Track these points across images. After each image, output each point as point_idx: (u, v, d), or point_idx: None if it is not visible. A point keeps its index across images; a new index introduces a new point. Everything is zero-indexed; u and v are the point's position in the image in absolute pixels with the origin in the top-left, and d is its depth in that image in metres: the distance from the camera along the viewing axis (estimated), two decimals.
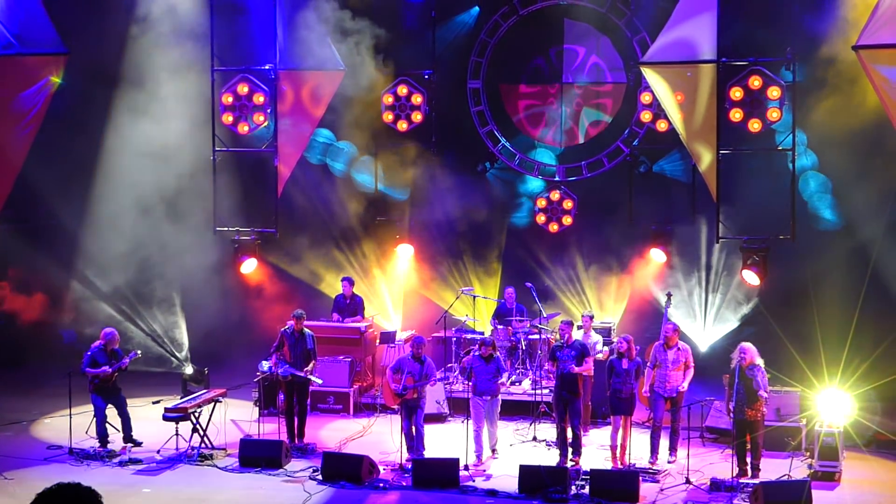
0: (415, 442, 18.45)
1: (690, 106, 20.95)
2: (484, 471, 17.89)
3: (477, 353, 18.49)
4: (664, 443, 18.33)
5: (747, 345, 17.68)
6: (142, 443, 19.04)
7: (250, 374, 21.08)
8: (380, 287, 25.12)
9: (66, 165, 24.42)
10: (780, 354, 20.26)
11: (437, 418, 20.52)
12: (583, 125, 24.83)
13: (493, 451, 18.41)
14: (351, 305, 22.90)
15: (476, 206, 24.90)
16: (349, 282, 23.11)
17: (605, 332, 21.47)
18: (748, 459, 17.48)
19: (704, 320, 23.37)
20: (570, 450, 18.02)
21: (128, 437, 19.07)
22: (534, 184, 24.99)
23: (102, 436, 18.95)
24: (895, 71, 19.00)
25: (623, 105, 24.37)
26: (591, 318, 20.90)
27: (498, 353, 18.58)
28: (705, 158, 20.89)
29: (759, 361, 17.40)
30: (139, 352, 19.87)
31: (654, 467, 17.72)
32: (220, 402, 19.26)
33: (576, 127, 24.90)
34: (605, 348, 20.11)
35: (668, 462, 18.00)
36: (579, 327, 20.32)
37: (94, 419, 18.98)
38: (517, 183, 25.24)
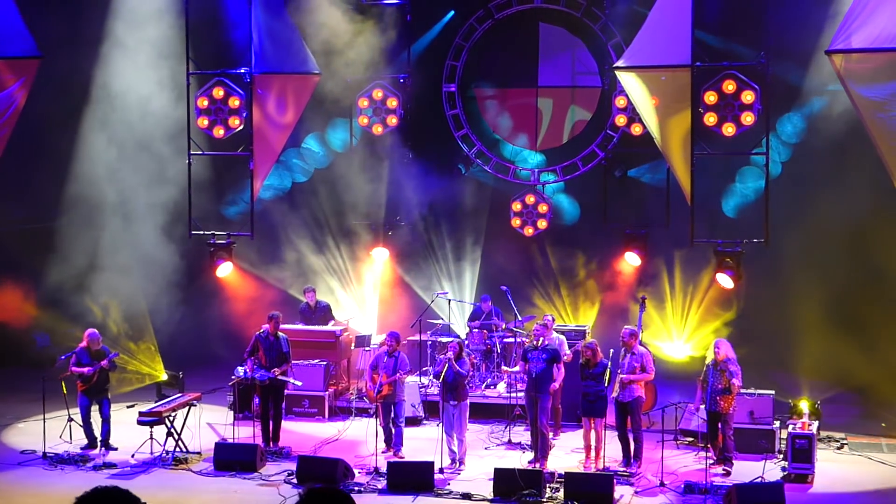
0: (394, 439, 18.80)
1: (665, 110, 20.98)
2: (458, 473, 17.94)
3: (444, 357, 18.55)
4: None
5: (721, 340, 18.36)
6: (117, 448, 19.04)
7: (226, 378, 21.03)
8: (355, 290, 25.12)
9: (37, 169, 24.35)
10: (754, 357, 20.37)
11: (413, 421, 20.53)
12: (568, 125, 24.91)
13: (461, 461, 18.30)
14: (317, 313, 22.92)
15: (451, 210, 24.96)
16: (312, 291, 23.16)
17: (581, 336, 21.49)
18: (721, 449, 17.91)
19: (680, 324, 23.43)
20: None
21: (104, 442, 19.10)
22: (509, 187, 24.97)
23: (89, 437, 19.06)
24: (868, 74, 19.06)
25: (598, 109, 24.43)
26: (553, 319, 20.92)
27: (462, 356, 18.49)
28: (679, 162, 20.93)
29: (733, 356, 17.81)
30: (119, 353, 19.92)
31: (629, 470, 17.79)
32: (195, 405, 19.25)
33: (552, 129, 24.95)
34: (569, 351, 20.04)
35: (627, 471, 17.92)
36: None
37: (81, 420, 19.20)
38: (492, 187, 25.23)
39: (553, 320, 20.87)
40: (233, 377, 20.25)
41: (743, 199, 23.08)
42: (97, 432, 19.21)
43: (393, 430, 18.90)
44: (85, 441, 19.20)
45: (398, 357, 18.81)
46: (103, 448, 18.96)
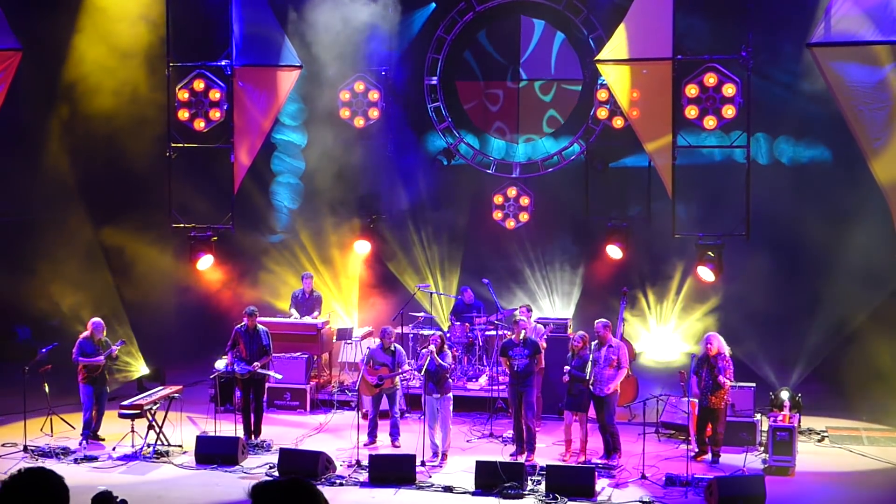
0: (391, 430, 19.03)
1: (646, 103, 21.04)
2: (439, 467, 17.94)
3: (426, 350, 18.56)
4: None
5: (714, 334, 18.39)
6: (105, 439, 19.01)
7: (207, 371, 21.01)
8: (336, 283, 25.09)
9: (14, 162, 24.25)
10: (736, 350, 20.44)
11: None
12: (543, 119, 24.90)
13: (444, 454, 18.29)
14: (309, 301, 22.92)
15: (432, 203, 24.94)
16: (310, 278, 23.15)
17: (562, 329, 21.51)
18: (707, 447, 18.05)
19: (660, 317, 23.47)
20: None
21: (94, 433, 19.06)
22: (490, 180, 24.95)
23: (88, 424, 18.93)
24: (849, 68, 19.17)
25: (579, 102, 24.42)
26: (529, 310, 20.96)
27: (444, 349, 18.54)
28: (661, 155, 20.98)
29: (726, 351, 17.87)
30: (125, 340, 19.91)
31: (609, 463, 17.82)
32: (177, 398, 19.19)
33: (532, 122, 24.94)
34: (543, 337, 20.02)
35: (608, 464, 17.95)
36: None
37: (83, 408, 19.07)
38: (473, 179, 25.21)
39: (530, 311, 20.88)
40: (214, 371, 20.24)
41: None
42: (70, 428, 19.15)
43: (389, 421, 19.15)
44: (78, 434, 19.10)
45: (397, 352, 18.99)
46: (91, 439, 18.90)
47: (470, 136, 25.08)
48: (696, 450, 18.03)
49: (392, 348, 19.01)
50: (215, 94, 22.17)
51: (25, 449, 18.33)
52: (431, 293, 23.60)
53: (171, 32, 22.25)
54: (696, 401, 18.18)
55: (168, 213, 22.73)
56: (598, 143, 23.88)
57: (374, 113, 23.73)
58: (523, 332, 18.26)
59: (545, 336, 20.06)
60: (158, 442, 18.52)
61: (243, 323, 19.52)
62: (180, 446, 18.62)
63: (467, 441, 19.50)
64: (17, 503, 5.42)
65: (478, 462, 16.93)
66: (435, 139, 25.07)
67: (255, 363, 19.30)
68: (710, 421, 18.11)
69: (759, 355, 21.75)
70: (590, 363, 17.88)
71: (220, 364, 19.97)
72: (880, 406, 20.67)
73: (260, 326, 19.65)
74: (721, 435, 18.14)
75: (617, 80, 21.15)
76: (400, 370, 18.95)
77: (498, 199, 24.31)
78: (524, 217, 24.21)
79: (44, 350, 19.50)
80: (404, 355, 19.24)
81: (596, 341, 18.21)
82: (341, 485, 16.87)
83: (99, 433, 19.20)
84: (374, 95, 23.68)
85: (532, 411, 18.24)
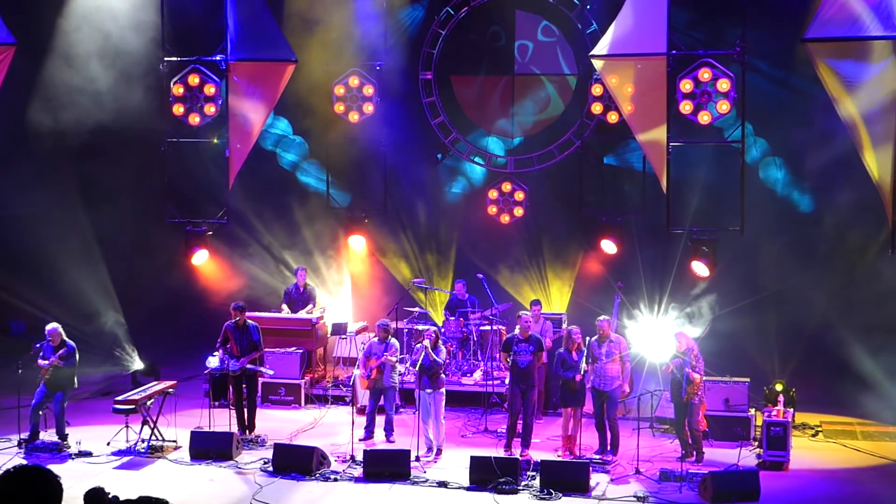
0: (385, 426, 19.04)
1: (640, 98, 21.04)
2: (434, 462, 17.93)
3: (420, 345, 18.56)
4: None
5: (680, 332, 18.45)
6: (64, 438, 18.57)
7: (202, 366, 20.99)
8: (331, 278, 25.08)
9: (4, 156, 24.20)
10: (730, 345, 20.44)
11: None
12: (533, 116, 24.87)
13: (439, 450, 18.28)
14: (304, 296, 22.91)
15: (427, 198, 24.93)
16: (303, 270, 23.14)
17: (556, 323, 21.52)
18: (689, 443, 17.99)
19: (655, 312, 23.45)
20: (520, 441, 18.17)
21: (60, 435, 18.66)
22: (485, 175, 24.96)
23: (33, 427, 18.55)
24: (842, 63, 19.18)
25: (574, 97, 24.42)
26: (539, 305, 21.00)
27: (438, 344, 18.53)
28: (655, 150, 20.99)
29: (693, 345, 17.88)
30: (74, 346, 19.37)
31: (604, 458, 17.83)
32: (171, 393, 19.16)
33: (526, 117, 24.93)
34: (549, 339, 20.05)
35: (603, 459, 17.95)
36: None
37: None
38: (469, 174, 25.22)
39: (540, 306, 20.90)
40: (206, 369, 20.17)
41: None
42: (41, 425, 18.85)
43: (384, 419, 19.12)
44: (71, 431, 18.93)
45: (388, 344, 18.96)
46: (59, 441, 18.58)
47: (464, 130, 25.01)
48: (683, 451, 17.96)
49: (387, 340, 19.01)
50: (210, 89, 22.18)
51: (20, 444, 18.30)
52: (426, 288, 23.59)
53: (166, 27, 22.22)
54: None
55: (163, 207, 22.70)
56: (593, 137, 23.88)
57: (369, 108, 23.71)
58: (517, 327, 18.26)
59: (553, 336, 20.10)
60: (153, 437, 18.49)
61: (233, 319, 19.44)
62: (174, 441, 18.59)
63: (462, 436, 19.50)
64: (9, 501, 5.38)
65: (472, 457, 16.93)
66: (430, 134, 24.96)
67: (244, 359, 19.23)
68: (685, 417, 18.05)
69: (754, 349, 21.75)
70: (584, 359, 17.92)
71: (213, 362, 19.86)
72: (874, 400, 20.67)
73: (249, 322, 19.57)
74: (698, 432, 17.99)
75: (611, 74, 21.15)
76: (382, 359, 18.82)
77: (492, 194, 24.32)
78: (519, 212, 24.23)
79: (38, 345, 19.42)
80: (395, 348, 19.15)
81: (596, 337, 18.25)
82: (336, 480, 16.87)
83: (66, 433, 18.66)
84: (369, 90, 23.65)
85: (533, 408, 18.26)
